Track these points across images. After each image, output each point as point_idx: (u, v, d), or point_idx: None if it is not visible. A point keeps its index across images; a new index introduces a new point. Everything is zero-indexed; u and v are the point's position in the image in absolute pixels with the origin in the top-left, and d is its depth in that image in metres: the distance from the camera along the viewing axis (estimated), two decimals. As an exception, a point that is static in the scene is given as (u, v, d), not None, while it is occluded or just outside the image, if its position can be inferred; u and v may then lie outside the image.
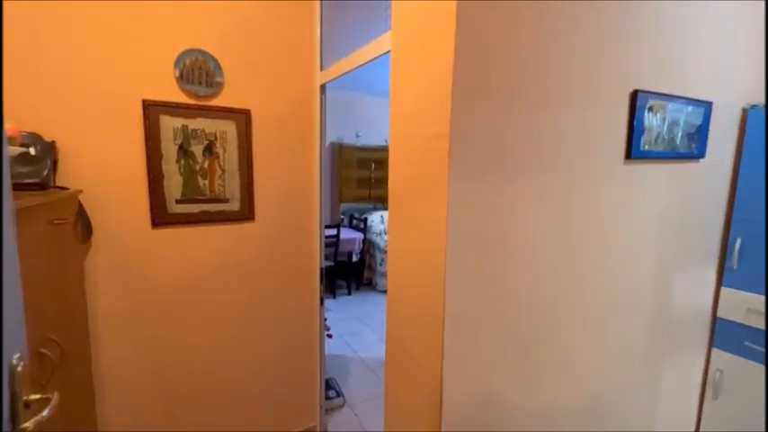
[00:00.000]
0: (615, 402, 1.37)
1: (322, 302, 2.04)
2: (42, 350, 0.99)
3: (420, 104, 0.96)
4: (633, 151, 1.18)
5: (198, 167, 1.60)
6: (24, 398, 0.61)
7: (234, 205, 1.70)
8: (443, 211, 0.88)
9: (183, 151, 1.56)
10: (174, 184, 1.55)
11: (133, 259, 1.53)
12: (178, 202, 1.57)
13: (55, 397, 0.64)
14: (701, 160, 1.41)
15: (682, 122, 1.30)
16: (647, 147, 1.22)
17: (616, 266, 1.26)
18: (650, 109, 1.20)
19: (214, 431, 1.80)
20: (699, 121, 1.35)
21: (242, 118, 1.66)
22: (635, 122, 1.16)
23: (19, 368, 0.60)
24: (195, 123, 1.57)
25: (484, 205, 0.94)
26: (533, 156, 0.99)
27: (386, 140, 5.57)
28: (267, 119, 1.74)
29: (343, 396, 2.42)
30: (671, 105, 1.25)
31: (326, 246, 4.25)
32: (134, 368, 1.59)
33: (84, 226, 1.38)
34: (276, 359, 1.93)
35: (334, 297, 4.45)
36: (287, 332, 1.95)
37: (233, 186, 1.68)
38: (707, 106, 1.35)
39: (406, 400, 1.13)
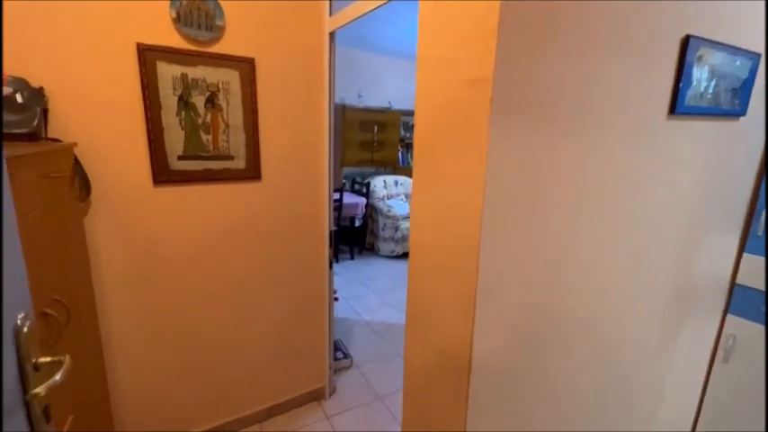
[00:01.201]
0: (634, 366, 1.37)
1: (331, 266, 2.00)
2: (47, 310, 0.94)
3: (456, 45, 0.85)
4: (677, 106, 1.08)
5: (200, 121, 1.49)
6: (33, 360, 0.56)
7: (239, 163, 1.60)
8: (481, 166, 0.80)
9: (184, 103, 1.44)
10: (175, 138, 1.45)
11: (135, 218, 1.45)
12: (180, 158, 1.47)
13: (67, 360, 0.59)
14: (741, 119, 1.32)
15: (728, 75, 1.19)
16: (691, 102, 1.12)
17: (649, 229, 1.20)
18: (699, 59, 1.09)
19: (224, 391, 1.81)
20: (745, 75, 1.24)
21: (246, 67, 1.53)
22: (684, 72, 1.06)
23: (25, 329, 0.54)
24: (195, 72, 1.44)
25: (529, 161, 0.86)
26: (579, 106, 0.90)
27: (389, 102, 5.37)
28: (273, 69, 1.61)
29: (351, 357, 2.45)
30: (719, 55, 1.14)
31: (329, 210, 4.18)
32: (140, 330, 1.56)
33: (81, 182, 1.29)
34: (285, 322, 1.92)
35: (337, 261, 4.44)
36: (296, 295, 1.92)
37: (238, 143, 1.58)
38: (755, 59, 1.24)
39: (427, 362, 1.11)
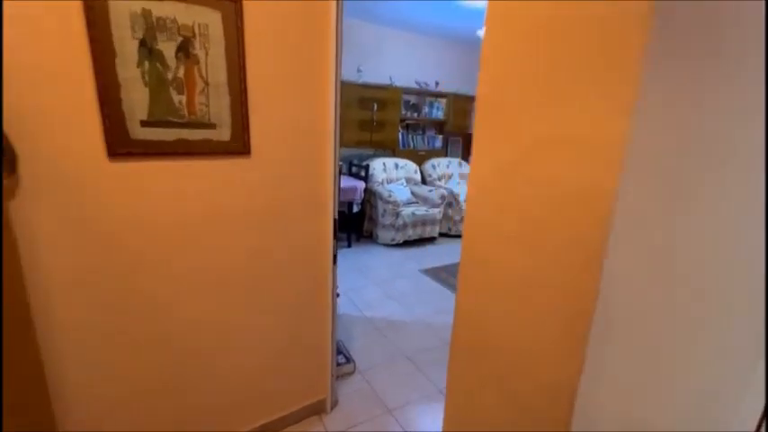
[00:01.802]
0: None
1: (335, 260, 1.70)
2: None
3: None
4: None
5: (170, 76, 1.13)
6: None
7: (223, 133, 1.26)
8: (618, 124, 0.49)
9: (148, 50, 1.09)
10: (136, 97, 1.10)
11: (85, 202, 1.11)
12: (144, 124, 1.13)
13: None
14: None
15: None
16: None
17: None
18: None
19: (205, 408, 1.52)
20: None
21: (230, 8, 1.18)
22: None
23: None
24: (162, 8, 1.08)
25: (709, 126, 0.55)
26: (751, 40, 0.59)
27: (390, 78, 4.98)
28: (266, 15, 1.26)
29: (354, 362, 2.17)
30: None
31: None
32: (103, 344, 1.24)
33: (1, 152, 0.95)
34: (279, 325, 1.61)
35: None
36: (292, 294, 1.61)
37: (220, 107, 1.23)
38: None
39: (485, 399, 0.82)
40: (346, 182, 4.09)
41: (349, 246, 4.26)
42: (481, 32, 3.29)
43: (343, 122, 4.45)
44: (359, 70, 4.57)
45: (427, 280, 3.51)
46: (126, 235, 1.19)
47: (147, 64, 1.10)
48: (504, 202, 0.72)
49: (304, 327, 1.69)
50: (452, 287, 3.38)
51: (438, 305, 3.03)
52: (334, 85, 1.48)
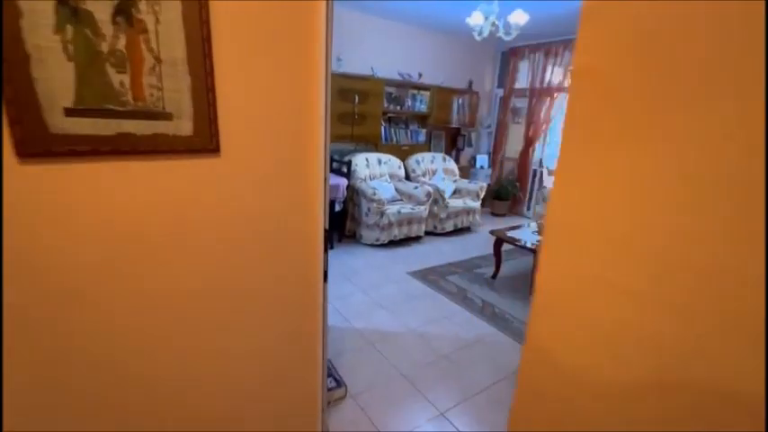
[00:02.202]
0: None
1: (326, 277, 1.44)
2: None
3: None
4: None
5: (106, 48, 0.84)
6: None
7: (182, 126, 0.98)
8: None
9: (71, 10, 0.79)
10: (57, 76, 0.80)
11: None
12: (70, 112, 0.83)
13: None
14: None
15: None
16: None
17: None
18: None
19: (173, 464, 1.24)
20: None
21: (188, -41, 0.89)
22: None
23: None
24: (90, -48, 0.79)
25: None
26: None
27: (372, 69, 4.71)
28: (236, -29, 0.98)
29: (345, 385, 1.93)
30: None
31: (305, 193, 3.55)
32: (41, 391, 0.94)
33: None
34: (259, 352, 1.35)
35: (314, 252, 3.84)
36: (274, 316, 1.35)
37: (178, 91, 0.95)
38: None
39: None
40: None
41: (331, 247, 3.99)
42: (470, 20, 3.04)
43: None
44: (339, 59, 4.27)
45: (416, 284, 3.31)
46: (53, 263, 0.89)
47: (70, 30, 0.80)
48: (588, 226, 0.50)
49: (288, 354, 1.43)
50: (442, 290, 3.19)
51: (429, 313, 2.83)
52: (324, 67, 1.21)
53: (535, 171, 5.94)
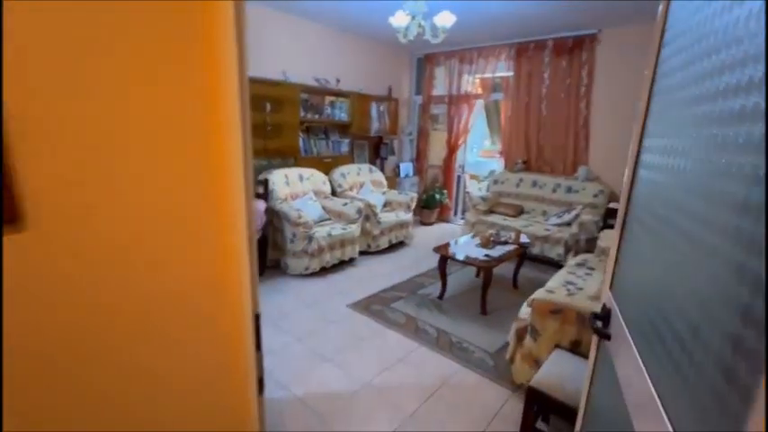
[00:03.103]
0: None
1: (259, 347, 0.93)
2: None
3: None
4: None
5: None
6: None
7: None
8: None
9: None
10: None
11: None
12: None
13: None
14: None
15: None
16: None
17: None
18: None
19: None
20: None
21: None
22: None
23: None
24: None
25: None
26: None
27: (284, 73, 4.14)
28: None
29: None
30: None
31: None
32: None
33: None
34: None
35: (230, 293, 3.14)
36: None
37: None
38: None
39: None
40: (240, 204, 3.15)
41: (251, 284, 3.32)
42: (394, 20, 2.72)
43: (229, 127, 3.46)
44: (243, 60, 3.62)
45: (359, 319, 2.86)
46: None
47: None
48: None
49: None
50: (390, 323, 2.81)
51: (382, 356, 2.41)
52: (237, 59, 0.73)
53: (459, 177, 5.96)
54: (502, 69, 5.01)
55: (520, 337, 2.12)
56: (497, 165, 7.24)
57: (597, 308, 1.72)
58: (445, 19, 2.94)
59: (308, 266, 3.49)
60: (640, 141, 1.02)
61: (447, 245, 3.25)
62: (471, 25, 4.19)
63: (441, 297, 3.21)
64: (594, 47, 4.24)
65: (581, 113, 4.43)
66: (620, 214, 1.10)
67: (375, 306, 3.05)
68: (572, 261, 3.06)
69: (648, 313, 0.77)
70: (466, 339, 2.63)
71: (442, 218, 5.94)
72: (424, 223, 5.73)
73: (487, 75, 5.10)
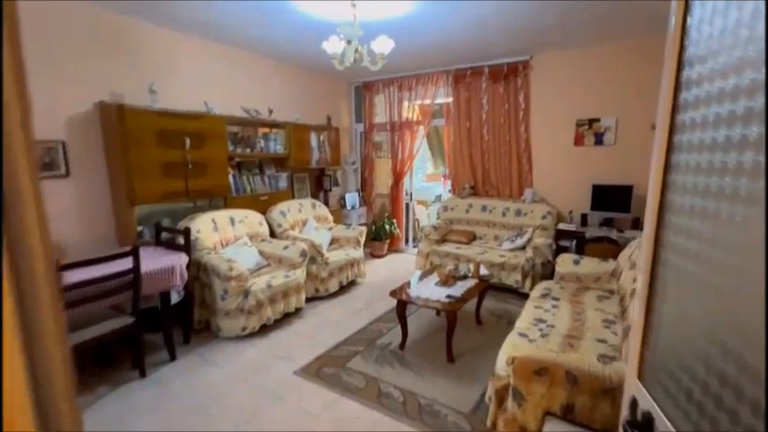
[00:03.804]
0: None
1: None
2: None
3: None
4: None
5: None
6: None
7: None
8: None
9: None
10: None
11: None
12: None
13: None
14: None
15: None
16: None
17: None
18: None
19: None
20: None
21: None
22: None
23: None
24: None
25: None
26: None
27: (206, 104, 3.67)
28: None
29: None
30: None
31: (108, 293, 2.29)
32: None
33: None
34: None
35: (144, 375, 2.51)
36: None
37: None
38: None
39: None
40: (153, 259, 2.58)
41: (172, 359, 2.70)
42: (327, 45, 2.44)
43: (135, 168, 2.92)
44: (152, 90, 3.11)
45: (310, 389, 2.39)
46: None
47: None
48: None
49: None
50: (347, 390, 2.38)
51: (341, 438, 1.97)
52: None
53: (407, 204, 5.76)
54: (441, 96, 4.97)
55: (500, 398, 1.82)
56: (443, 189, 7.24)
57: (588, 360, 1.46)
58: (383, 44, 2.73)
59: (244, 327, 2.95)
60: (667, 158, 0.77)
61: (404, 287, 2.93)
62: (408, 52, 4.08)
63: (402, 347, 2.85)
64: (528, 72, 4.33)
65: (521, 137, 4.47)
66: (643, 278, 0.84)
67: (328, 369, 2.60)
68: (535, 292, 2.89)
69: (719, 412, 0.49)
70: (436, 400, 2.28)
71: (394, 248, 5.66)
72: (375, 256, 5.40)
73: (427, 101, 5.03)
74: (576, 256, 3.17)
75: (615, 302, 2.65)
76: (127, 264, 2.31)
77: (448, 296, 2.72)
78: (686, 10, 0.72)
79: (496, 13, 3.08)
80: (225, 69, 3.92)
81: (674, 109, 0.74)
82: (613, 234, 3.60)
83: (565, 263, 3.12)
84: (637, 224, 3.81)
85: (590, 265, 3.04)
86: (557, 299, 2.75)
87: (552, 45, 3.95)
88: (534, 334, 2.20)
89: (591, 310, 2.55)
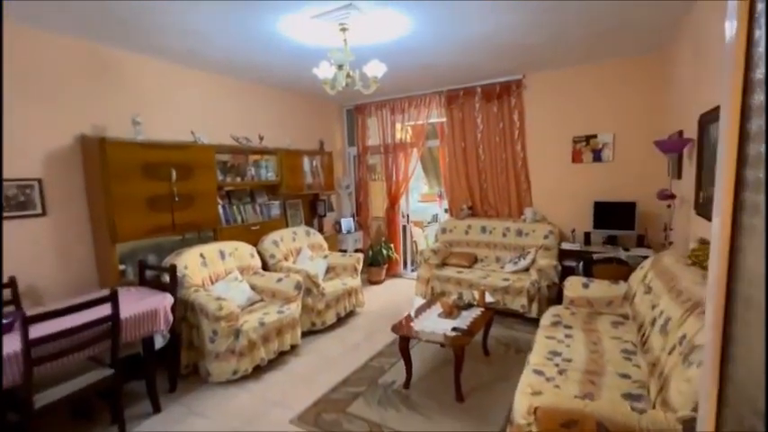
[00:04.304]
0: None
1: None
2: None
3: None
4: None
5: None
6: None
7: None
8: None
9: None
10: None
11: None
12: None
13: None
14: None
15: None
16: None
17: None
18: None
19: None
20: None
21: None
22: None
23: None
24: None
25: None
26: None
27: (193, 134, 3.55)
28: None
29: None
30: None
31: (84, 345, 2.08)
32: None
33: None
34: None
35: (123, 430, 2.27)
36: None
37: None
38: None
39: None
40: (133, 302, 2.38)
41: (156, 410, 2.46)
42: (318, 71, 2.32)
43: (118, 203, 2.76)
44: (136, 122, 2.99)
45: (309, 440, 2.18)
46: None
47: None
48: None
49: None
50: (351, 440, 2.16)
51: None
52: None
53: (404, 227, 5.62)
54: (435, 116, 4.92)
55: (521, 451, 1.63)
56: (439, 208, 7.13)
57: (621, 409, 1.29)
58: (375, 68, 2.65)
59: (236, 370, 2.73)
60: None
61: (406, 321, 2.74)
62: (400, 74, 4.03)
63: (407, 385, 2.64)
64: (521, 91, 4.30)
65: (518, 155, 4.39)
66: (714, 308, 0.69)
67: (327, 415, 2.38)
68: (545, 319, 2.73)
69: None
70: (447, 448, 2.07)
71: (392, 273, 5.48)
72: (372, 282, 5.21)
73: (420, 122, 4.97)
74: (584, 279, 3.03)
75: (631, 329, 2.49)
76: (105, 310, 2.12)
77: (454, 329, 2.54)
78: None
79: (486, 36, 3.04)
80: (212, 97, 3.83)
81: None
82: (620, 253, 3.47)
83: (574, 286, 2.97)
84: (642, 241, 3.69)
85: (600, 288, 2.89)
86: (569, 327, 2.58)
87: (544, 63, 3.92)
88: (551, 370, 2.03)
89: (607, 338, 2.39)
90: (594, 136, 4.00)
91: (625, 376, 1.95)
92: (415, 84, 4.55)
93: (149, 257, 3.17)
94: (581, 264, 3.52)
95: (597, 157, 4.01)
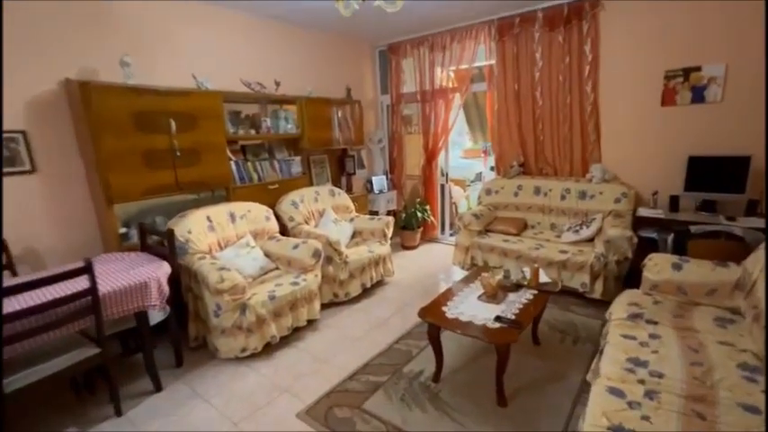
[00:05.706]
0: None
1: None
2: None
3: None
4: None
5: None
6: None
7: None
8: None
9: None
10: None
11: None
12: None
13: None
14: None
15: None
16: None
17: None
18: None
19: None
20: None
21: None
22: None
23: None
24: None
25: None
26: None
27: (195, 78, 3.07)
28: None
29: None
30: None
31: (62, 322, 1.81)
32: None
33: None
34: None
35: (120, 413, 2.07)
36: None
37: None
38: None
39: None
40: (123, 274, 2.07)
41: (157, 389, 2.24)
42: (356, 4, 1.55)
43: (107, 158, 2.41)
44: (125, 64, 2.57)
45: (315, 442, 1.83)
46: None
47: None
48: None
49: None
50: (365, 448, 1.78)
51: None
52: None
53: (443, 186, 4.99)
54: (481, 57, 4.07)
55: None
56: (483, 166, 6.34)
57: None
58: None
59: (244, 347, 2.44)
60: None
61: (437, 305, 2.24)
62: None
63: (436, 378, 2.20)
64: (597, 14, 3.34)
65: (587, 98, 3.52)
66: None
67: (340, 411, 2.02)
68: (618, 310, 2.11)
69: None
70: (484, 472, 1.62)
71: (428, 238, 4.97)
72: (405, 247, 4.74)
73: (464, 65, 4.16)
74: (674, 258, 2.32)
75: (747, 330, 1.82)
76: (82, 283, 1.83)
77: (498, 318, 2.01)
78: None
79: None
80: (218, 36, 3.31)
81: None
82: (727, 225, 2.66)
83: (660, 267, 2.28)
84: (754, 209, 2.83)
85: (700, 271, 2.18)
86: (653, 322, 1.96)
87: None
88: (635, 392, 1.46)
89: (713, 344, 1.75)
90: (698, 68, 3.03)
91: (752, 410, 1.34)
92: (459, 12, 3.71)
93: (157, 220, 2.88)
94: (670, 237, 2.76)
95: (698, 96, 3.06)
